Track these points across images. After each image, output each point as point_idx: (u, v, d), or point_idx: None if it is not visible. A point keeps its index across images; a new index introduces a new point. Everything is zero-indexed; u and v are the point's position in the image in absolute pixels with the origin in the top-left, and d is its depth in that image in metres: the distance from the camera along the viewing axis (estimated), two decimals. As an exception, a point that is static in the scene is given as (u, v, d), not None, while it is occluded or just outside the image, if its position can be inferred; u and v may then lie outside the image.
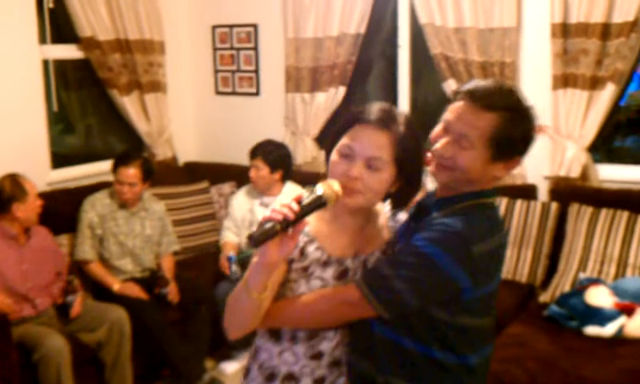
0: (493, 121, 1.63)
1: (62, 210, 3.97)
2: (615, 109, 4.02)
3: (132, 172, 3.92)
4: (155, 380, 3.86)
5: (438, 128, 1.73)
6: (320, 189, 1.57)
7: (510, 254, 3.88)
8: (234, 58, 5.19)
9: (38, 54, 4.32)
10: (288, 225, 1.51)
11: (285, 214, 1.50)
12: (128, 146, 4.96)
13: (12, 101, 4.16)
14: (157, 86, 4.92)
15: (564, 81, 3.93)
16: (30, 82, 4.29)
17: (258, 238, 1.49)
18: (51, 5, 4.41)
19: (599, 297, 3.32)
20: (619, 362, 3.00)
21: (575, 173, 3.96)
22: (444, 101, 4.34)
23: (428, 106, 4.76)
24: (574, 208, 3.79)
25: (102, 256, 3.96)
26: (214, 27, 5.22)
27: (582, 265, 3.64)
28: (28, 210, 3.54)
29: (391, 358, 1.69)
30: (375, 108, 1.69)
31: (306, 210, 1.54)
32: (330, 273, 1.70)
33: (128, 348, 3.61)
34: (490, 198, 1.73)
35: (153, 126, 4.92)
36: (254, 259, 1.60)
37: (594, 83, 3.86)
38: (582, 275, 3.56)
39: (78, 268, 3.92)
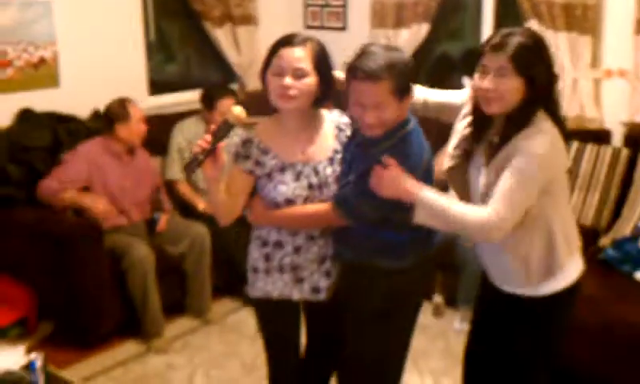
0: None
1: (156, 134, 4.20)
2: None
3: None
4: (234, 292, 4.14)
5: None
6: (227, 117, 2.11)
7: (576, 197, 3.91)
8: (323, -9, 5.32)
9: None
10: (209, 152, 2.05)
11: (202, 146, 2.06)
12: (221, 76, 5.26)
13: (113, 30, 4.45)
14: (248, 19, 5.11)
15: (647, 25, 3.85)
16: (129, 12, 4.56)
17: (190, 167, 2.09)
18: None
19: (655, 244, 3.35)
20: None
21: (653, 119, 3.90)
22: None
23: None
24: (645, 155, 3.75)
25: (190, 178, 4.23)
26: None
27: (646, 212, 3.63)
28: (130, 131, 3.85)
29: (365, 244, 2.22)
30: (292, 35, 2.18)
31: (218, 137, 2.07)
32: (288, 176, 2.21)
33: (208, 261, 3.90)
34: (409, 125, 2.16)
35: (243, 57, 5.14)
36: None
37: (678, 28, 3.76)
38: (643, 222, 3.58)
39: (167, 187, 4.25)
